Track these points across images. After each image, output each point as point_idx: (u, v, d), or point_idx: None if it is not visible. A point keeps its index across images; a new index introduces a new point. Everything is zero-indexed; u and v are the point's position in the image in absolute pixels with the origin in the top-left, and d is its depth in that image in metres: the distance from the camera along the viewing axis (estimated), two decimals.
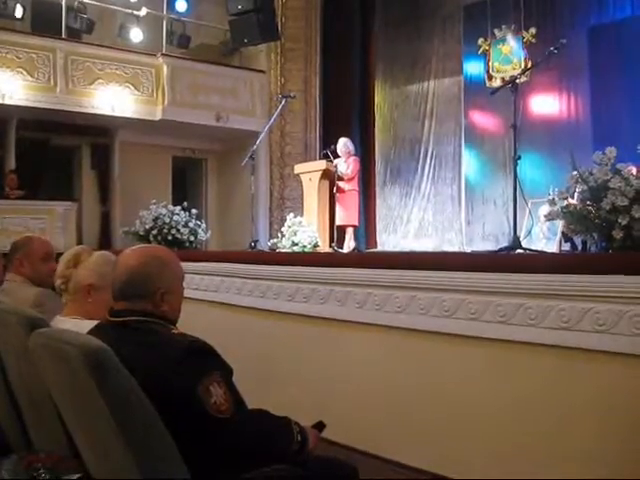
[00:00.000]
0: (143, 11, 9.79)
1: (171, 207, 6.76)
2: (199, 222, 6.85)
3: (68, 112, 8.85)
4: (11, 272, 3.03)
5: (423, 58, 10.02)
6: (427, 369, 3.17)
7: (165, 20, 10.17)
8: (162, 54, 9.72)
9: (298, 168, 8.07)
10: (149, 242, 6.19)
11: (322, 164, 7.47)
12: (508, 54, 9.05)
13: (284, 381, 3.94)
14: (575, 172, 3.15)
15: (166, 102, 9.52)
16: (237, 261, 4.66)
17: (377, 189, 10.50)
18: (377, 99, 10.67)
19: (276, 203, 10.62)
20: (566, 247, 6.77)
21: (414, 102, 10.16)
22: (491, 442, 2.85)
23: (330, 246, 6.95)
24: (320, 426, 2.07)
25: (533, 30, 8.70)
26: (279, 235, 6.62)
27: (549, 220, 4.52)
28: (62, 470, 1.73)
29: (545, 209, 4.55)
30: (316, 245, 6.38)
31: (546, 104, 8.68)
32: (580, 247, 5.93)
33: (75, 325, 2.02)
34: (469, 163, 9.53)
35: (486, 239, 8.95)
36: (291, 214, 6.78)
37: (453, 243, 9.39)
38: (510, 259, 3.51)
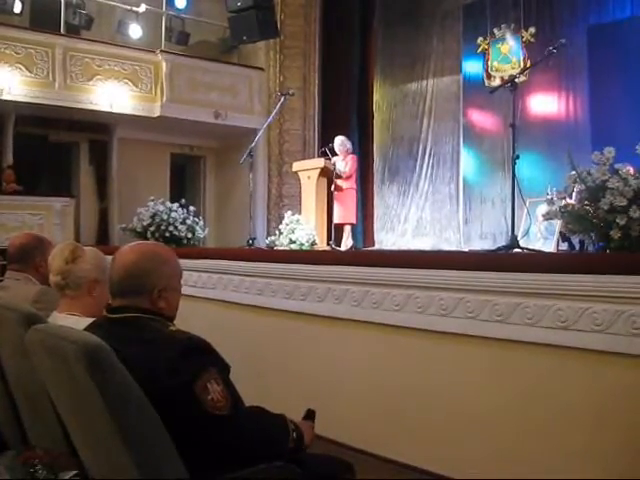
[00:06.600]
0: (142, 7, 9.78)
1: (169, 204, 6.75)
2: (197, 219, 6.84)
3: (66, 108, 8.82)
4: (26, 273, 2.95)
5: (422, 56, 10.01)
6: (424, 367, 3.18)
7: (164, 17, 10.17)
8: (161, 51, 9.70)
9: (296, 166, 8.06)
10: (147, 239, 6.17)
11: (320, 162, 7.46)
12: (507, 53, 9.05)
13: (280, 378, 3.94)
14: (573, 172, 3.16)
15: (165, 99, 9.49)
16: (235, 258, 4.65)
17: (375, 187, 10.50)
18: (376, 97, 10.66)
19: (274, 201, 10.61)
20: (564, 247, 6.77)
21: (413, 100, 10.16)
22: (488, 440, 2.85)
23: (328, 244, 6.95)
24: (311, 415, 2.07)
25: (532, 29, 8.71)
26: (277, 233, 6.61)
27: (547, 220, 4.52)
28: (59, 467, 1.73)
29: (543, 209, 4.55)
30: (314, 243, 6.37)
31: (545, 104, 8.68)
32: (578, 247, 5.94)
33: (75, 322, 2.01)
34: (467, 162, 9.53)
35: (484, 238, 8.96)
36: (289, 212, 6.77)
37: (451, 242, 9.39)
38: (508, 258, 3.51)
